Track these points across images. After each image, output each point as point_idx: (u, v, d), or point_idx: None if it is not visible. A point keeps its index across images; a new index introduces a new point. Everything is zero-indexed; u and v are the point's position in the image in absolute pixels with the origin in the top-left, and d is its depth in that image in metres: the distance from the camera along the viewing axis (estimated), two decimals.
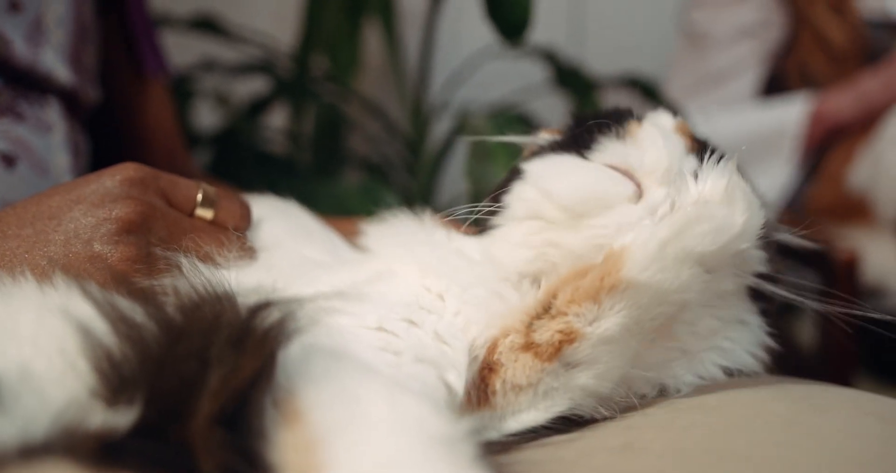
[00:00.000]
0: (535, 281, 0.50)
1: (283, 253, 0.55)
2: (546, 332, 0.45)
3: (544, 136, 0.60)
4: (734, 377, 0.52)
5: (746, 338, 0.53)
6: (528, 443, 0.45)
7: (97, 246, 0.49)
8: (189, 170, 0.91)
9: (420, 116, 1.46)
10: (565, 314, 0.45)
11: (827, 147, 1.37)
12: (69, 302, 0.39)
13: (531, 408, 0.46)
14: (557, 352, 0.45)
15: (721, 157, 0.49)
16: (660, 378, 0.50)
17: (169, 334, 0.36)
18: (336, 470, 0.31)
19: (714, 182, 0.46)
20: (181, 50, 1.27)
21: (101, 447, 0.32)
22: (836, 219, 1.26)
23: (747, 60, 1.47)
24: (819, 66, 1.43)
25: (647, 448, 0.42)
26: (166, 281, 0.45)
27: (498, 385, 0.46)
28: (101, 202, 0.50)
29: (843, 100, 1.34)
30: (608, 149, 0.53)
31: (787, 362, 0.58)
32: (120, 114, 0.88)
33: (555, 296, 0.46)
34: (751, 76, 1.47)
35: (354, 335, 0.44)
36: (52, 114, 0.70)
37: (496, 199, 0.55)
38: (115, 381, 0.34)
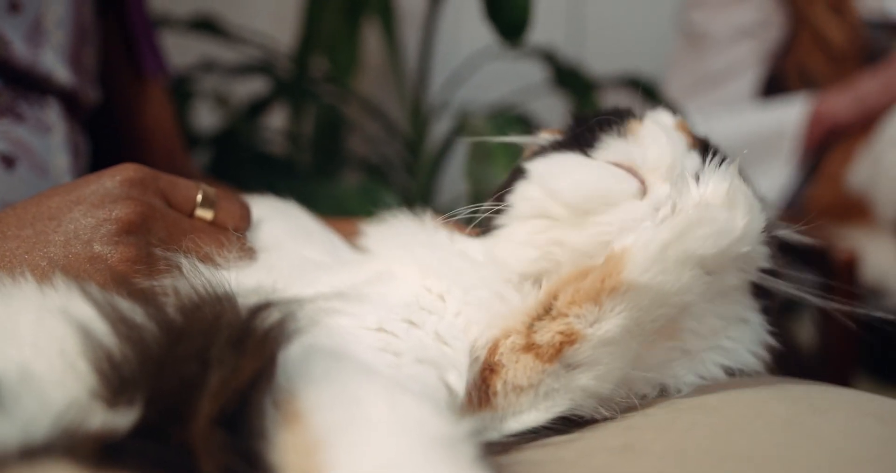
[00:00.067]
0: (537, 282, 0.50)
1: (283, 253, 0.55)
2: (547, 333, 0.45)
3: (545, 136, 0.60)
4: (735, 376, 0.52)
5: (748, 337, 0.53)
6: (529, 444, 0.45)
7: (97, 247, 0.49)
8: (188, 171, 0.91)
9: (419, 117, 1.46)
10: (566, 315, 0.45)
11: (826, 148, 1.37)
12: (69, 302, 0.39)
13: (532, 409, 0.46)
14: (558, 353, 0.45)
15: (723, 158, 0.49)
16: (660, 378, 0.50)
17: (169, 335, 0.36)
18: (336, 471, 0.31)
19: (716, 185, 0.46)
20: (180, 50, 1.27)
21: (101, 448, 0.32)
22: (836, 220, 1.26)
23: (746, 60, 1.47)
24: (818, 67, 1.43)
25: (647, 449, 0.42)
26: (166, 282, 0.45)
27: (499, 386, 0.46)
28: (100, 203, 0.50)
29: (842, 102, 1.34)
30: (611, 147, 0.54)
31: (787, 362, 0.58)
32: (119, 114, 0.88)
33: (555, 298, 0.46)
34: (750, 76, 1.47)
35: (354, 336, 0.44)
36: (52, 114, 0.70)
37: (499, 199, 0.55)
38: (116, 382, 0.34)
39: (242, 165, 1.29)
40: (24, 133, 0.66)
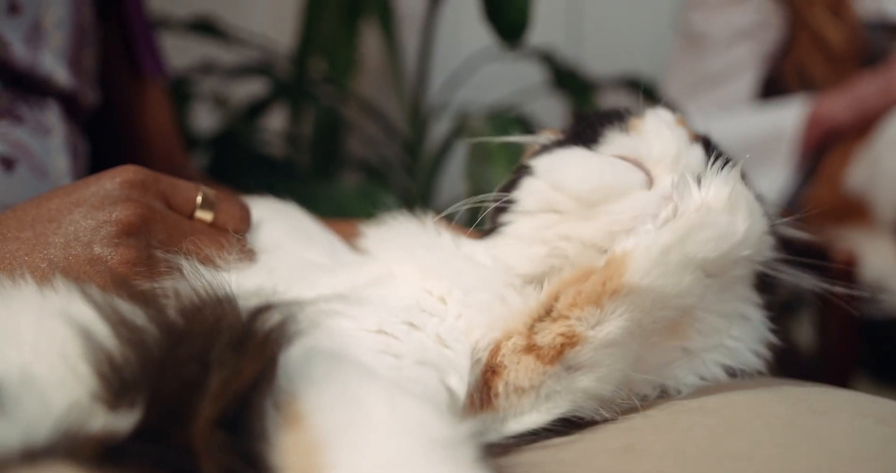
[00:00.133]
0: (538, 283, 0.50)
1: (283, 255, 0.55)
2: (548, 335, 0.45)
3: (547, 136, 0.60)
4: (736, 377, 0.52)
5: (749, 335, 0.53)
6: (529, 445, 0.45)
7: (97, 249, 0.49)
8: (187, 173, 0.91)
9: (419, 118, 1.47)
10: (567, 317, 0.45)
11: (824, 149, 1.37)
12: (69, 305, 0.39)
13: (533, 410, 0.46)
14: (559, 355, 0.45)
15: (724, 158, 0.49)
16: (661, 379, 0.50)
17: (170, 337, 0.36)
18: (337, 472, 0.31)
19: (718, 188, 0.46)
20: (180, 52, 1.27)
21: (102, 450, 0.32)
22: (835, 221, 1.26)
23: (745, 62, 1.47)
24: (817, 68, 1.43)
25: (647, 450, 0.42)
26: (167, 284, 0.45)
27: (500, 387, 0.46)
28: (100, 204, 0.50)
29: (840, 104, 1.34)
30: (614, 142, 0.54)
31: (787, 363, 0.58)
32: (119, 116, 0.88)
33: (556, 299, 0.46)
34: (748, 77, 1.47)
35: (355, 338, 0.44)
36: (52, 116, 0.70)
37: (502, 200, 0.55)
38: (117, 384, 0.34)
39: (241, 167, 1.29)
40: (23, 135, 0.66)
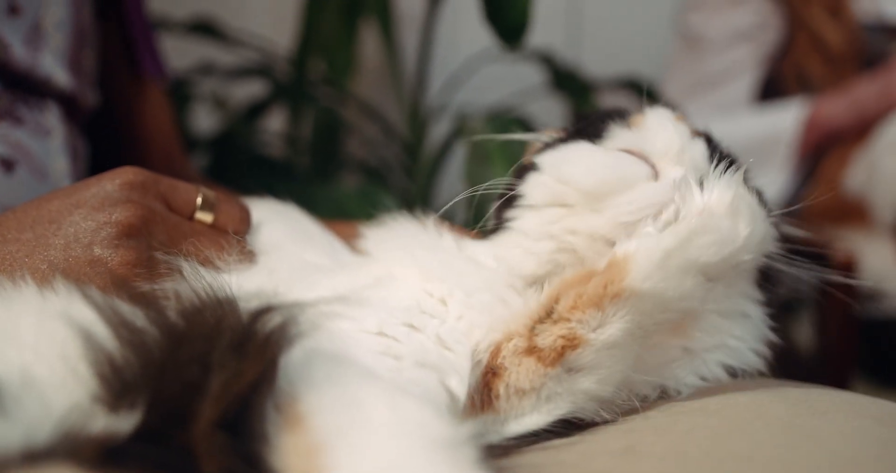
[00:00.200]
0: (540, 285, 0.50)
1: (283, 256, 0.55)
2: (549, 337, 0.45)
3: (549, 134, 0.60)
4: (737, 377, 0.52)
5: (750, 333, 0.53)
6: (529, 446, 0.45)
7: (97, 251, 0.49)
8: (187, 174, 0.91)
9: (418, 119, 1.47)
10: (568, 320, 0.45)
11: (822, 152, 1.37)
12: (70, 306, 0.39)
13: (534, 412, 0.46)
14: (560, 357, 0.45)
15: (726, 156, 0.49)
16: (661, 379, 0.50)
17: (170, 339, 0.36)
18: None
19: (720, 192, 0.46)
20: (179, 53, 1.27)
21: (103, 451, 0.32)
22: (834, 222, 1.26)
23: (744, 63, 1.48)
24: (816, 69, 1.43)
25: (648, 452, 0.42)
26: (167, 286, 0.45)
27: (501, 389, 0.46)
28: (101, 206, 0.50)
29: (838, 107, 1.34)
30: (618, 137, 0.54)
31: (786, 364, 0.59)
32: (118, 117, 0.88)
33: (557, 301, 0.46)
34: (747, 79, 1.47)
35: (355, 339, 0.44)
36: (51, 118, 0.70)
37: (509, 197, 0.55)
38: (117, 386, 0.34)
39: (241, 168, 1.29)
40: (23, 136, 0.66)
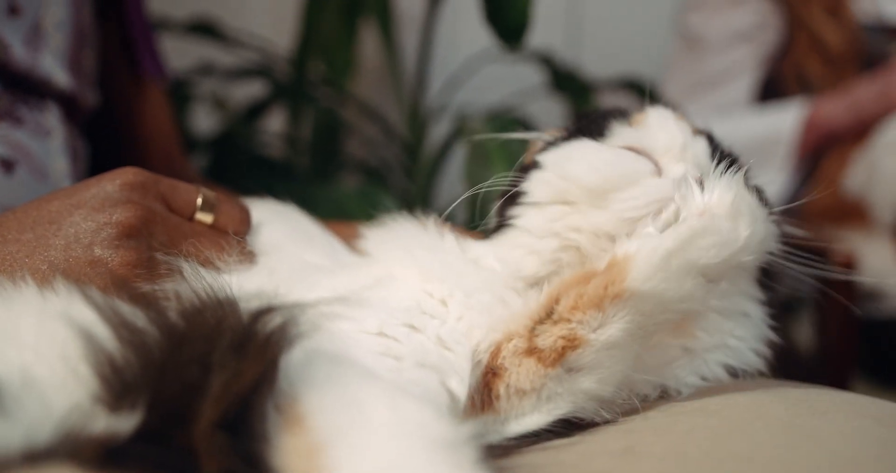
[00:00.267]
0: (540, 286, 0.50)
1: (284, 257, 0.55)
2: (549, 338, 0.45)
3: (551, 133, 0.60)
4: (737, 377, 0.52)
5: (750, 333, 0.53)
6: (530, 447, 0.45)
7: (98, 251, 0.49)
8: (187, 174, 0.91)
9: (418, 120, 1.47)
10: (568, 320, 0.45)
11: (822, 153, 1.37)
12: (70, 306, 0.39)
13: (534, 411, 0.46)
14: (561, 358, 0.45)
15: (727, 155, 0.49)
16: (662, 379, 0.50)
17: (171, 339, 0.36)
18: None
19: (721, 194, 0.46)
20: (179, 54, 1.27)
21: (103, 451, 0.32)
22: (834, 223, 1.27)
23: (743, 64, 1.48)
24: (815, 69, 1.43)
25: (647, 452, 0.42)
26: (167, 286, 0.45)
27: (502, 389, 0.46)
28: (101, 206, 0.50)
29: (838, 108, 1.34)
30: (620, 134, 0.54)
31: (786, 365, 0.59)
32: (118, 117, 0.88)
33: (557, 302, 0.46)
34: (747, 79, 1.48)
35: (355, 340, 0.44)
36: (51, 118, 0.70)
37: (511, 195, 0.55)
38: (118, 386, 0.34)
39: (240, 168, 1.29)
40: (23, 137, 0.66)
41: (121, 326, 0.37)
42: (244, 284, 0.46)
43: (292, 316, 0.38)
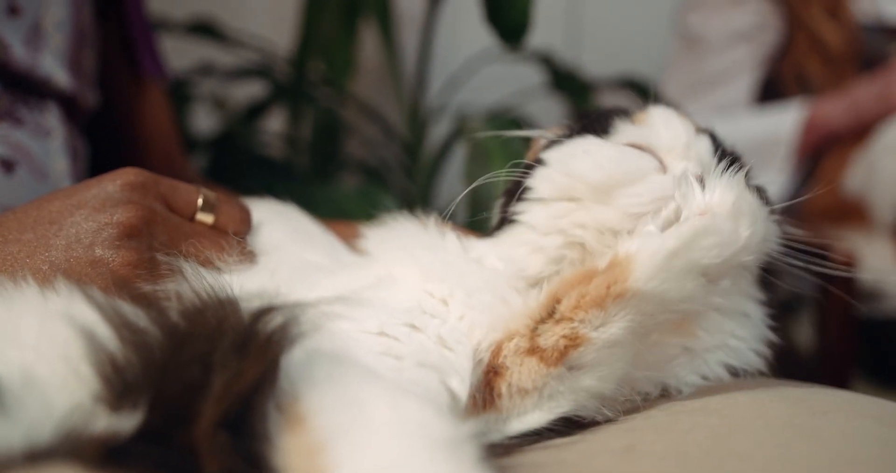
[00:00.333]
0: (541, 285, 0.50)
1: (284, 256, 0.55)
2: (551, 337, 0.45)
3: (554, 131, 0.60)
4: (738, 376, 0.52)
5: (750, 333, 0.53)
6: (531, 445, 0.45)
7: (98, 251, 0.49)
8: (187, 174, 0.91)
9: (418, 120, 1.47)
10: (571, 319, 0.45)
11: (821, 153, 1.37)
12: (71, 306, 0.39)
13: (536, 410, 0.46)
14: (563, 357, 0.45)
15: (729, 155, 0.49)
16: (662, 377, 0.50)
17: (172, 339, 0.36)
18: None
19: (723, 193, 0.46)
20: (179, 54, 1.27)
21: (105, 451, 0.32)
22: (833, 223, 1.27)
23: (743, 64, 1.48)
24: (815, 69, 1.43)
25: (648, 451, 0.42)
26: (168, 286, 0.45)
27: (504, 388, 0.46)
28: (102, 207, 0.50)
29: (837, 109, 1.34)
30: (624, 132, 0.54)
31: (786, 364, 0.59)
32: (118, 118, 0.88)
33: (558, 301, 0.46)
34: (747, 79, 1.48)
35: (356, 340, 0.45)
36: (51, 118, 0.70)
37: (512, 193, 0.55)
38: (119, 386, 0.34)
39: (240, 168, 1.29)
40: (23, 137, 0.66)
41: (122, 326, 0.37)
42: (245, 284, 0.46)
43: (293, 315, 0.38)
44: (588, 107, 1.16)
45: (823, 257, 0.52)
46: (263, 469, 0.33)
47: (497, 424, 0.46)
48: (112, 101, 0.85)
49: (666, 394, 0.50)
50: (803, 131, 1.35)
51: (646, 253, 0.44)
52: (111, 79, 0.85)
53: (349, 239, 0.61)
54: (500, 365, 0.46)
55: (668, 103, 0.60)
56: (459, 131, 1.21)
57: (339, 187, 1.27)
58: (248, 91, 1.49)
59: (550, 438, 0.46)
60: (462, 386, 0.45)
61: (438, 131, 1.46)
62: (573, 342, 0.45)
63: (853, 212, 1.25)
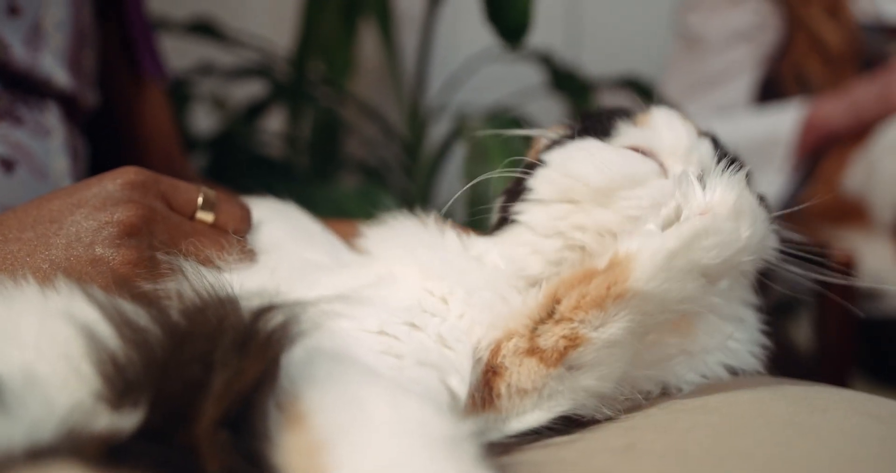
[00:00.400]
0: (540, 284, 0.50)
1: (284, 255, 0.56)
2: (551, 338, 0.45)
3: (555, 131, 0.60)
4: (737, 375, 0.52)
5: (747, 337, 0.53)
6: (530, 444, 0.45)
7: (99, 250, 0.49)
8: (187, 174, 0.91)
9: (417, 119, 1.47)
10: (571, 320, 0.45)
11: (821, 153, 1.37)
12: (72, 305, 0.39)
13: (535, 409, 0.46)
14: (562, 357, 0.45)
15: (730, 157, 0.49)
16: (662, 375, 0.50)
17: (173, 338, 0.36)
18: (339, 472, 0.31)
19: (723, 193, 0.46)
20: (179, 54, 1.27)
21: (106, 449, 0.32)
22: (833, 222, 1.27)
23: (743, 64, 1.48)
24: (814, 69, 1.43)
25: (648, 449, 0.42)
26: (169, 285, 0.45)
27: (503, 388, 0.46)
28: (102, 205, 0.50)
29: (837, 109, 1.34)
30: (626, 134, 0.54)
31: (785, 363, 0.59)
32: (118, 117, 0.88)
33: (558, 301, 0.46)
34: (746, 79, 1.48)
35: (356, 339, 0.45)
36: (51, 118, 0.70)
37: (513, 193, 0.55)
38: (120, 385, 0.34)
39: (240, 168, 1.29)
40: (23, 136, 0.66)
41: (123, 325, 0.37)
42: (245, 283, 0.46)
43: (293, 314, 0.38)
44: (589, 107, 1.16)
45: (822, 264, 0.52)
46: (264, 467, 0.33)
47: (496, 423, 0.46)
48: (112, 101, 0.85)
49: (666, 393, 0.50)
50: (803, 131, 1.35)
51: (646, 254, 0.44)
52: (111, 79, 0.85)
53: (349, 238, 0.61)
54: (498, 365, 0.46)
55: (669, 104, 0.60)
56: (459, 131, 1.21)
57: (338, 187, 1.28)
58: (248, 90, 1.49)
59: (550, 436, 0.46)
60: (462, 384, 0.45)
61: (438, 131, 1.46)
62: (573, 342, 0.45)
63: (853, 212, 1.25)
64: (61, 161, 0.70)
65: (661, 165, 0.51)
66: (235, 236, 0.55)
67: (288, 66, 1.43)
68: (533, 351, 0.46)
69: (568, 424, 0.46)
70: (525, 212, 0.54)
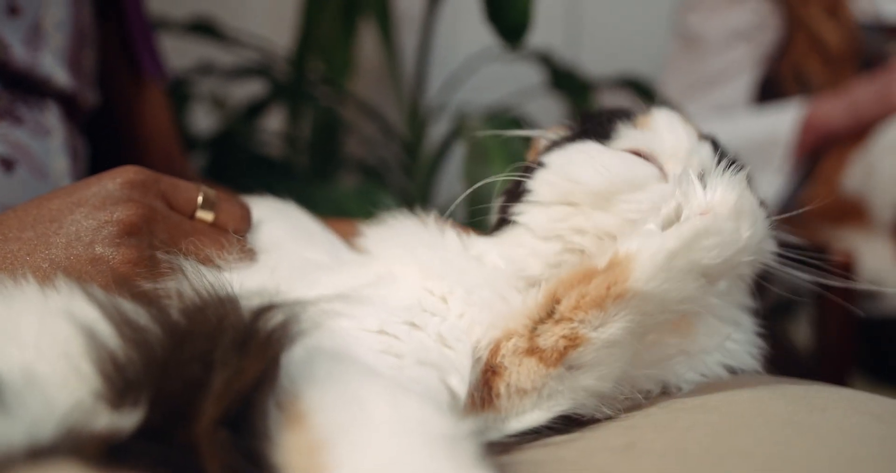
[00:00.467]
0: (537, 283, 0.50)
1: (284, 254, 0.56)
2: (551, 338, 0.45)
3: (555, 131, 0.60)
4: (736, 374, 0.52)
5: (744, 338, 0.53)
6: (530, 443, 0.45)
7: (99, 249, 0.49)
8: (186, 174, 0.91)
9: (417, 119, 1.47)
10: (570, 320, 0.45)
11: (820, 153, 1.37)
12: (72, 304, 0.40)
13: (535, 409, 0.46)
14: (562, 357, 0.45)
15: (730, 159, 0.49)
16: (661, 374, 0.50)
17: (173, 337, 0.36)
18: (340, 471, 0.31)
19: (724, 193, 0.46)
20: (178, 53, 1.27)
21: (106, 448, 0.32)
22: (832, 222, 1.27)
23: (742, 63, 1.48)
24: (814, 69, 1.43)
25: (648, 448, 0.42)
26: (168, 284, 0.45)
27: (502, 388, 0.46)
28: (102, 205, 0.50)
29: (836, 109, 1.34)
30: (626, 137, 0.54)
31: (784, 363, 0.59)
32: (118, 117, 0.88)
33: (557, 301, 0.46)
34: (746, 79, 1.48)
35: (356, 338, 0.45)
36: (51, 117, 0.70)
37: (513, 193, 0.55)
38: (120, 384, 0.34)
39: (240, 167, 1.29)
40: (23, 136, 0.66)
41: (123, 324, 0.37)
42: (245, 282, 0.46)
43: (293, 313, 0.38)
44: (589, 107, 1.16)
45: (821, 267, 0.52)
46: (264, 467, 0.33)
47: (496, 423, 0.46)
48: (112, 101, 0.85)
49: (666, 392, 0.50)
50: (802, 131, 1.35)
51: (646, 254, 0.44)
52: (111, 79, 0.85)
53: (349, 238, 0.61)
54: (498, 365, 0.46)
55: (669, 105, 0.60)
56: (459, 130, 1.21)
57: (338, 186, 1.28)
58: (248, 90, 1.49)
59: (549, 436, 0.46)
60: (461, 384, 0.45)
61: (438, 130, 1.46)
62: (573, 342, 0.45)
63: (852, 212, 1.25)
64: (61, 160, 0.70)
65: (662, 169, 0.51)
66: (235, 235, 0.55)
67: (287, 66, 1.43)
68: (532, 350, 0.46)
69: (568, 423, 0.46)
70: (525, 213, 0.54)
